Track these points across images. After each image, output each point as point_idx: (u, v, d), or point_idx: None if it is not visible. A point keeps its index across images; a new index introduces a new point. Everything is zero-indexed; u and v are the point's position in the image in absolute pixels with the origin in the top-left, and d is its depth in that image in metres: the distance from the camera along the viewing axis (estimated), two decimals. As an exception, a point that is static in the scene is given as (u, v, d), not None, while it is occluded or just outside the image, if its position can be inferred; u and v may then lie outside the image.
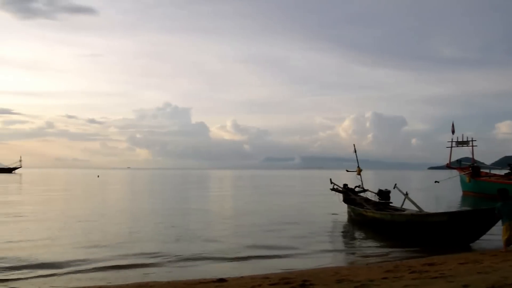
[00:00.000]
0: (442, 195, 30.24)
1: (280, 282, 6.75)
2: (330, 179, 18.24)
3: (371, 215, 13.92)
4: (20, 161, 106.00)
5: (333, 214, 17.54)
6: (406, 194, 14.02)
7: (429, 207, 15.24)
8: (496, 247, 9.87)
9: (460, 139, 32.65)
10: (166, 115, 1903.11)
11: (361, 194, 17.56)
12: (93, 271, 8.26)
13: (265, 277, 7.29)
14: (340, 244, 11.94)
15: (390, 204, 15.41)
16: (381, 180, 59.40)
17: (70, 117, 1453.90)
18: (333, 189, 17.85)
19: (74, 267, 8.45)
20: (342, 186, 17.83)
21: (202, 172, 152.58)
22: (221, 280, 7.10)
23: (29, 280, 7.57)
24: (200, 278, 7.40)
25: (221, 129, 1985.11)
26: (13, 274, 7.93)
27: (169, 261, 9.15)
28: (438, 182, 32.86)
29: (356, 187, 17.91)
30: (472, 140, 32.23)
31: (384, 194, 16.00)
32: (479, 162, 33.09)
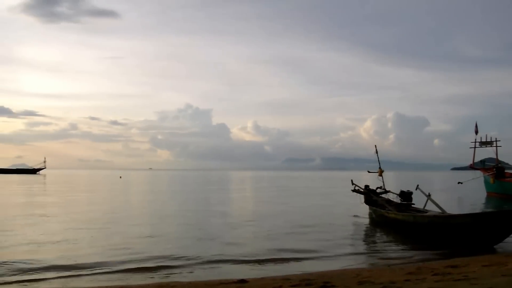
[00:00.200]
0: (465, 196, 29.69)
1: (301, 284, 6.74)
2: (351, 180, 18.08)
3: (393, 216, 13.78)
4: (44, 162, 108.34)
5: (354, 215, 17.39)
6: (429, 195, 13.81)
7: (452, 209, 15.03)
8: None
9: (483, 139, 32.10)
10: (187, 116, 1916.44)
11: (383, 195, 17.41)
12: (114, 273, 8.34)
13: (286, 278, 7.28)
14: (361, 246, 11.82)
15: (412, 206, 15.22)
16: (403, 181, 58.80)
17: (93, 118, 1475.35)
18: (354, 190, 17.74)
19: (95, 269, 8.54)
20: (363, 188, 17.72)
21: (223, 173, 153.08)
22: (242, 281, 7.11)
23: (50, 281, 7.68)
24: (221, 279, 7.45)
25: (242, 130, 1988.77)
26: (35, 274, 8.05)
27: (190, 263, 9.19)
28: (461, 183, 32.29)
29: (377, 188, 17.79)
30: (496, 141, 31.74)
31: (406, 196, 15.83)
32: (503, 162, 32.45)
